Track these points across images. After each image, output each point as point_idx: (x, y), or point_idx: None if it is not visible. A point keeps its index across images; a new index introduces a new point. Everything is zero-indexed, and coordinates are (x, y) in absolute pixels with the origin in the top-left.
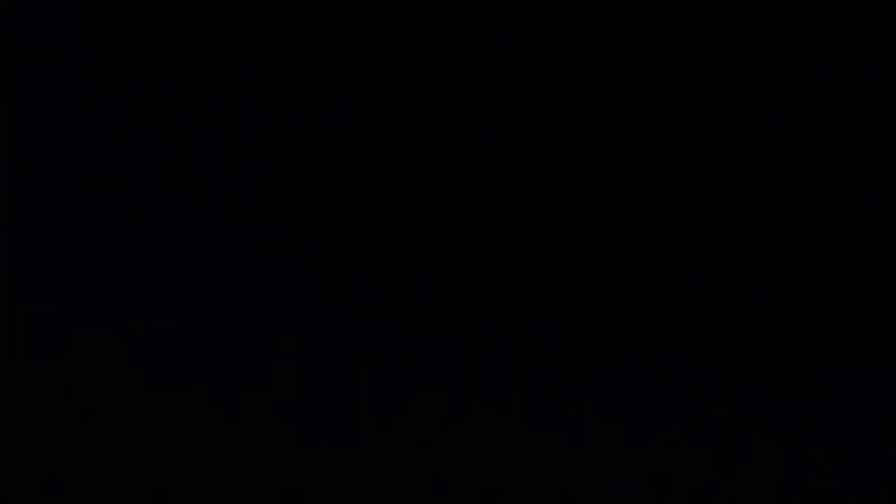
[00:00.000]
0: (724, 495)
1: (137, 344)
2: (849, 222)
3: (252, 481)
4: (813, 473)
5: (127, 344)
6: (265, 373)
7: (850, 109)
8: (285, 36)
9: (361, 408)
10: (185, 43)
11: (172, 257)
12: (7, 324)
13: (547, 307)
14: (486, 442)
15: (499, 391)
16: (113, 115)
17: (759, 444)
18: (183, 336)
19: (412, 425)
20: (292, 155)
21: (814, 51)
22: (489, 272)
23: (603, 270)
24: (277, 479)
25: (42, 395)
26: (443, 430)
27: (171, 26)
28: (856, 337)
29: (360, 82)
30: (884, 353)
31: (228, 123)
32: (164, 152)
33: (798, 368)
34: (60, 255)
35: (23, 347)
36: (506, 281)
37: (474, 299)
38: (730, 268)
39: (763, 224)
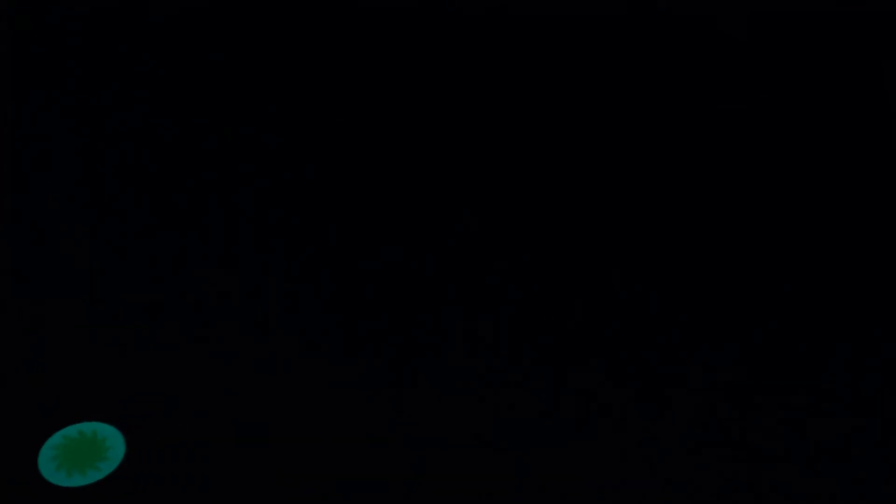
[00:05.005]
0: (728, 494)
1: (137, 343)
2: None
3: (251, 480)
4: (814, 473)
5: (127, 343)
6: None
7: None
8: (284, 37)
9: (363, 404)
10: (185, 44)
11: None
12: (6, 323)
13: (549, 303)
14: (487, 438)
15: (503, 387)
16: (112, 115)
17: (763, 442)
18: (182, 336)
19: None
20: (291, 155)
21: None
22: (493, 270)
23: (604, 271)
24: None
25: (41, 394)
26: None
27: (171, 27)
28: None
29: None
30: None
31: (227, 124)
32: (163, 153)
33: (800, 366)
34: (60, 255)
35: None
36: (510, 279)
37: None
38: (732, 267)
39: (765, 225)
